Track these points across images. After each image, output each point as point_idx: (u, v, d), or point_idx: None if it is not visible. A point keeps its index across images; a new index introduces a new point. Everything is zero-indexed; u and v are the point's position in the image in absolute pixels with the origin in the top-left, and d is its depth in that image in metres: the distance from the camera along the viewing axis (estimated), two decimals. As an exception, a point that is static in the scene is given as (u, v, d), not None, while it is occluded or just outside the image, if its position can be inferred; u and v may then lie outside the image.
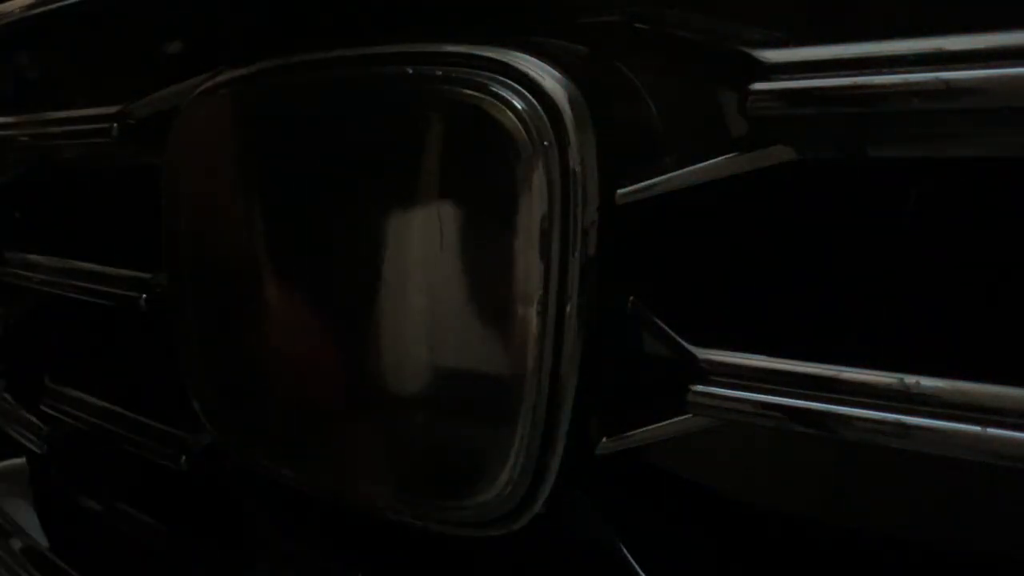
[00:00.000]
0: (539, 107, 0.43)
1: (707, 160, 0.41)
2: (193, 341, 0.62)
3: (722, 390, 0.41)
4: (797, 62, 0.38)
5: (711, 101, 0.43)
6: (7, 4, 0.77)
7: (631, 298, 0.45)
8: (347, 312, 0.52)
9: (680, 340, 0.43)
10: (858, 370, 0.38)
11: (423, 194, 0.48)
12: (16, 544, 0.82)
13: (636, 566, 0.46)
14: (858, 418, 0.37)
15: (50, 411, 0.82)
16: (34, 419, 0.86)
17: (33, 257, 0.83)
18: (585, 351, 0.44)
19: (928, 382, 0.36)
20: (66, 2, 0.71)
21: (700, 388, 0.42)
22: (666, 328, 0.43)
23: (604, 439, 0.46)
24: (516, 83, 0.44)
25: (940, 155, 0.37)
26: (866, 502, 0.45)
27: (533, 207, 0.43)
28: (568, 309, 0.43)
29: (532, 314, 0.44)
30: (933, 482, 0.42)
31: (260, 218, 0.57)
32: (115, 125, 0.68)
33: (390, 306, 0.50)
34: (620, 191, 0.43)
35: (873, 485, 0.45)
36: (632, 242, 0.44)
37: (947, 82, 0.34)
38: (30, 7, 0.74)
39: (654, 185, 0.43)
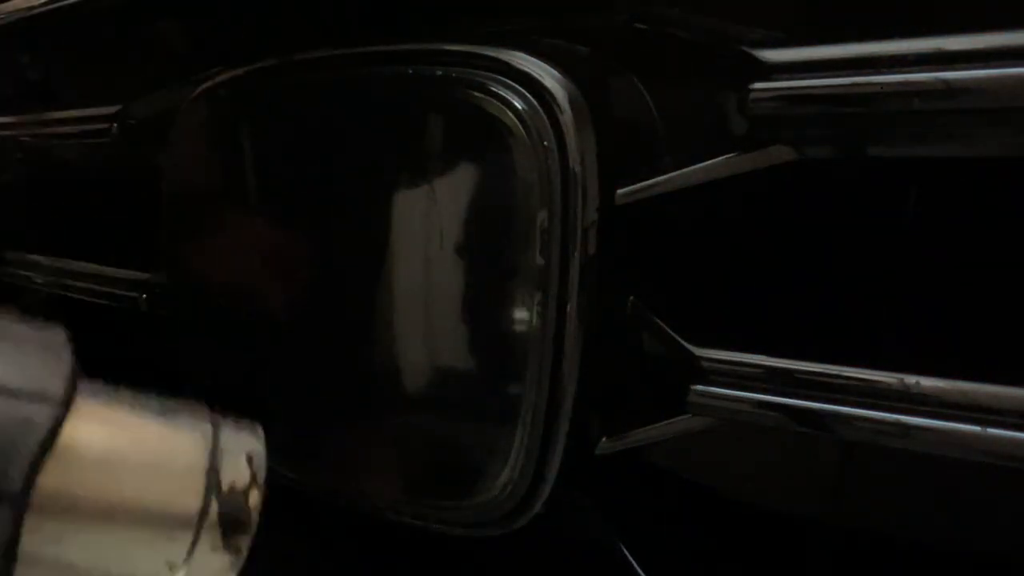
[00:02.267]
0: (539, 107, 0.43)
1: (707, 160, 0.41)
2: (193, 341, 0.62)
3: (722, 390, 0.41)
4: (797, 62, 0.38)
5: (711, 101, 0.43)
6: (7, 4, 0.77)
7: (631, 298, 0.44)
8: (347, 312, 0.52)
9: (680, 340, 0.43)
10: (858, 370, 0.38)
11: (423, 194, 0.48)
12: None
13: (636, 566, 0.46)
14: (858, 418, 0.37)
15: (50, 411, 0.82)
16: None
17: (33, 257, 0.83)
18: (585, 351, 0.44)
19: (928, 382, 0.36)
20: (66, 2, 0.71)
21: (700, 388, 0.42)
22: (666, 328, 0.43)
23: (604, 439, 0.46)
24: (516, 83, 0.44)
25: (940, 155, 0.37)
26: (866, 502, 0.45)
27: (533, 207, 0.43)
28: (568, 309, 0.43)
29: (532, 314, 0.44)
30: (933, 482, 0.42)
31: (260, 218, 0.57)
32: (115, 125, 0.68)
33: (390, 306, 0.50)
34: (620, 191, 0.43)
35: (873, 485, 0.45)
36: (632, 242, 0.44)
37: (947, 82, 0.34)
38: (30, 7, 0.74)
39: (654, 185, 0.43)
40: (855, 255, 0.42)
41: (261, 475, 0.41)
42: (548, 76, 0.44)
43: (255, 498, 0.40)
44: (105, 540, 0.37)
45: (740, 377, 0.41)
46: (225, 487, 0.39)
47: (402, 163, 0.49)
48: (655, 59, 0.44)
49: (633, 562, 0.47)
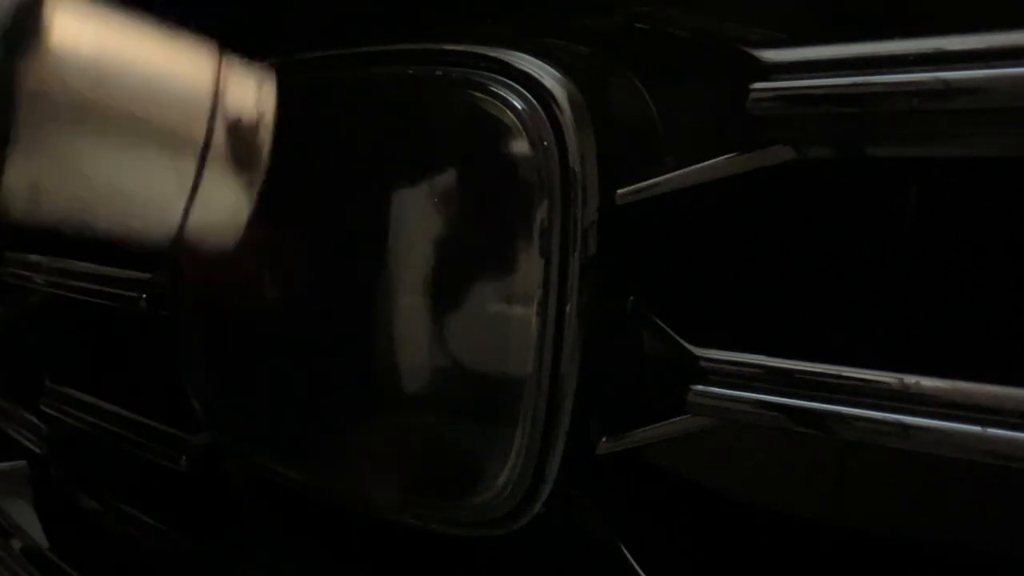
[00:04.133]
0: (539, 107, 0.43)
1: (707, 160, 0.41)
2: (193, 341, 0.62)
3: (722, 390, 0.41)
4: (797, 62, 0.38)
5: (711, 101, 0.43)
6: (7, 4, 0.76)
7: (631, 298, 0.44)
8: (348, 312, 0.52)
9: (680, 340, 0.43)
10: (858, 370, 0.37)
11: (423, 194, 0.48)
12: (16, 544, 0.82)
13: (636, 566, 0.46)
14: (858, 418, 0.37)
15: (50, 411, 0.82)
16: (34, 419, 0.86)
17: (33, 257, 0.83)
18: (585, 351, 0.44)
19: (928, 382, 0.36)
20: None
21: (700, 388, 0.42)
22: (666, 328, 0.43)
23: (604, 439, 0.46)
24: (516, 83, 0.44)
25: (940, 155, 0.37)
26: (867, 502, 0.45)
27: (533, 207, 0.43)
28: (568, 309, 0.43)
29: (532, 314, 0.44)
30: (933, 482, 0.42)
31: (259, 217, 0.57)
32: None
33: (391, 306, 0.50)
34: (620, 191, 0.43)
35: (873, 485, 0.45)
36: (632, 242, 0.44)
37: (947, 82, 0.34)
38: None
39: (654, 185, 0.43)
40: (855, 255, 0.42)
41: (271, 110, 0.34)
42: (548, 76, 0.44)
43: (264, 134, 0.34)
44: (104, 147, 0.33)
45: (740, 377, 0.41)
46: (231, 115, 0.33)
47: (402, 163, 0.49)
48: (655, 59, 0.44)
49: (633, 562, 0.47)
